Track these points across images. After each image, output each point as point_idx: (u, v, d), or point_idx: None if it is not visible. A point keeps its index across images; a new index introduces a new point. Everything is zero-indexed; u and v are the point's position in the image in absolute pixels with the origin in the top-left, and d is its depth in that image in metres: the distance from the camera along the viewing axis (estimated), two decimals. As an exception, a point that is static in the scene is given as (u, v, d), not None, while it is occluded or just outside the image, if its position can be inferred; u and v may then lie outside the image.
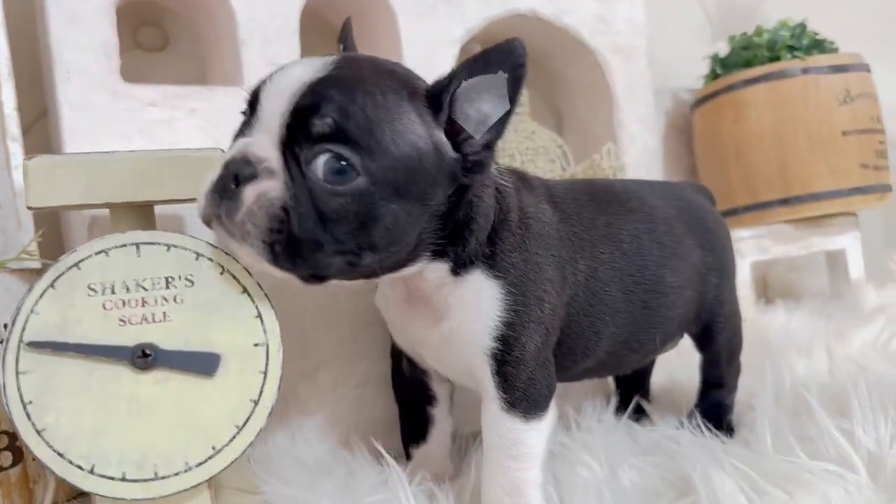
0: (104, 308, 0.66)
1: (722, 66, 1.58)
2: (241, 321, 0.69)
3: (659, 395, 1.15)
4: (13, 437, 0.71)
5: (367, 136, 0.62)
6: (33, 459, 0.71)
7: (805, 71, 1.46)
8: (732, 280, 1.00)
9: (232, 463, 0.66)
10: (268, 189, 0.62)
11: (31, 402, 0.62)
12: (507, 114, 0.67)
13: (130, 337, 0.66)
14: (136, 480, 0.64)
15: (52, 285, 0.65)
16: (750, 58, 1.51)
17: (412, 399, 0.90)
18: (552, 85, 1.61)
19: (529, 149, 1.41)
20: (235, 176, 0.62)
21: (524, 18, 1.41)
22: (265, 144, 0.64)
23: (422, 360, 0.85)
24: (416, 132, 0.66)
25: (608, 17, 1.48)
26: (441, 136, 0.67)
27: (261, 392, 0.68)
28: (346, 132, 0.62)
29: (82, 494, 0.73)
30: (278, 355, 0.70)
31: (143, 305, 0.67)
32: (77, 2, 1.06)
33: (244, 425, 0.67)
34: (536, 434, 0.73)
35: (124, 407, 0.64)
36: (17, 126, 1.02)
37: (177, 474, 0.65)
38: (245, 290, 0.70)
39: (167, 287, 0.68)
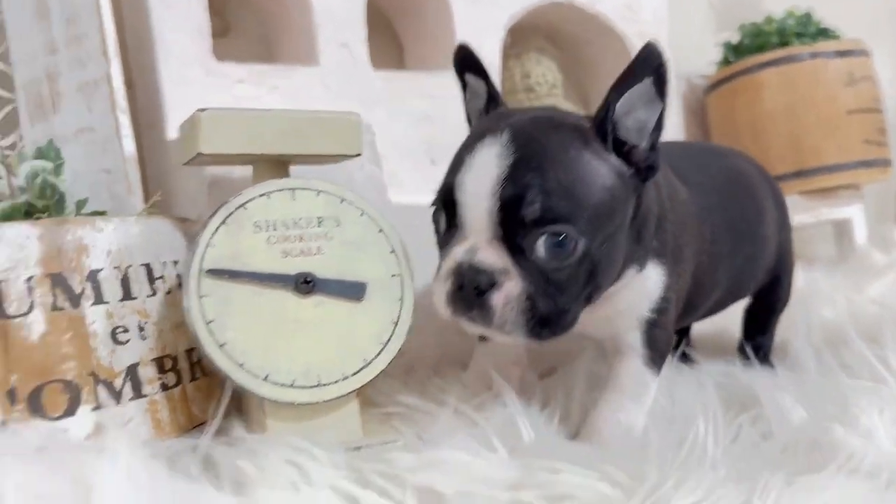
0: (268, 242, 0.76)
1: (735, 52, 1.71)
2: (379, 255, 0.80)
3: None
4: (175, 360, 0.81)
5: (569, 203, 0.67)
6: (200, 376, 0.82)
7: (813, 55, 1.60)
8: (791, 235, 1.12)
9: (378, 374, 0.77)
10: (510, 290, 0.67)
11: (212, 321, 0.73)
12: (662, 112, 0.71)
13: (292, 267, 0.76)
14: (303, 387, 0.74)
15: (224, 222, 0.75)
16: (761, 44, 1.65)
17: None
18: (583, 70, 1.74)
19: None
20: (476, 287, 0.67)
21: (560, 6, 1.53)
22: (486, 247, 0.68)
23: None
24: (601, 172, 0.70)
25: (635, 7, 1.61)
26: (615, 160, 0.71)
27: (399, 315, 0.79)
28: (552, 210, 0.66)
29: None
30: (410, 284, 0.81)
31: (300, 241, 0.77)
32: (174, -14, 1.16)
33: (387, 343, 0.78)
34: (656, 384, 0.83)
35: (290, 326, 0.75)
36: (123, 99, 1.12)
37: (336, 382, 0.75)
38: (381, 230, 0.81)
39: (319, 226, 0.78)
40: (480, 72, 0.81)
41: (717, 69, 1.76)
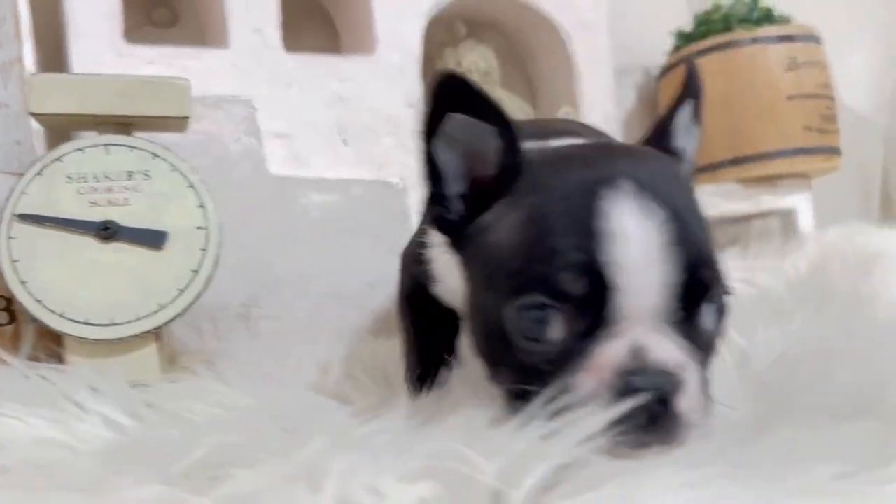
0: (78, 193, 0.83)
1: (685, 40, 1.70)
2: (186, 209, 0.86)
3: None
4: (10, 301, 0.89)
5: (714, 249, 0.55)
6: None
7: (754, 41, 1.57)
8: None
9: (174, 318, 0.83)
10: (695, 388, 0.51)
11: (17, 261, 0.80)
12: (697, 142, 0.64)
13: (98, 215, 0.83)
14: (96, 325, 0.81)
15: (39, 173, 0.83)
16: (706, 31, 1.63)
17: None
18: (525, 58, 1.76)
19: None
20: (661, 397, 0.50)
21: (490, -9, 1.56)
22: (658, 336, 0.51)
23: None
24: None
25: (571, -6, 1.63)
26: None
27: (201, 264, 0.85)
28: (717, 267, 0.54)
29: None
30: (216, 237, 0.86)
31: (109, 192, 0.84)
32: (88, -26, 1.25)
33: (185, 289, 0.84)
34: None
35: (89, 269, 0.82)
36: (35, 76, 1.21)
37: (129, 322, 0.82)
38: (191, 185, 0.87)
39: (129, 179, 0.85)
40: (484, 112, 0.57)
41: (668, 57, 1.75)
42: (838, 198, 1.92)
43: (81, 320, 0.80)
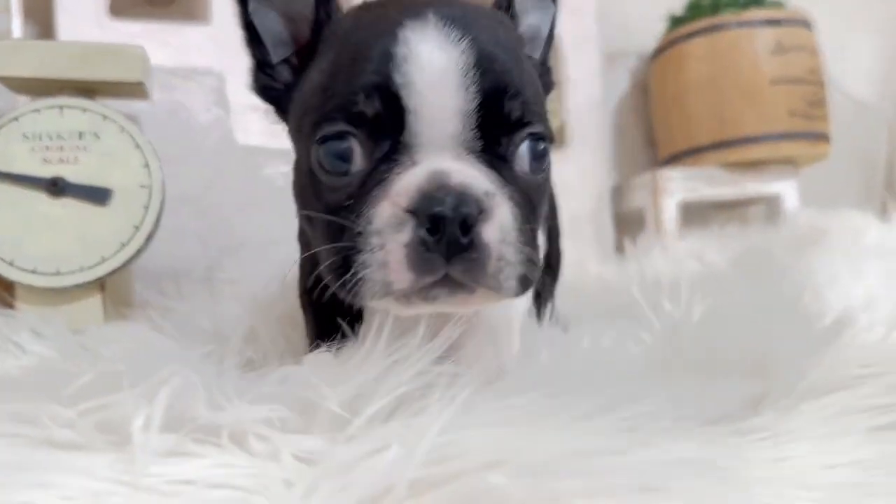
0: (32, 150, 0.89)
1: (676, 24, 1.70)
2: (131, 168, 0.91)
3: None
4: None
5: (536, 98, 0.54)
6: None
7: (741, 24, 1.57)
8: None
9: (115, 270, 0.88)
10: (504, 219, 0.49)
11: (-28, 212, 0.86)
12: (554, 17, 0.64)
13: (48, 172, 0.88)
14: (43, 273, 0.86)
15: (-5, 132, 0.89)
16: (696, 14, 1.63)
17: None
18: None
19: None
20: (463, 221, 0.47)
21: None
22: (459, 164, 0.50)
23: None
24: (533, 69, 0.59)
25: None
26: None
27: (142, 221, 0.90)
28: (528, 105, 0.52)
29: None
30: (158, 195, 0.91)
31: (61, 150, 0.90)
32: (77, -50, 1.31)
33: (127, 243, 0.89)
34: None
35: (39, 222, 0.87)
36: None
37: (73, 272, 0.87)
38: (138, 146, 0.92)
39: (80, 139, 0.90)
40: None
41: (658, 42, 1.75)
42: (838, 186, 1.90)
43: (29, 269, 0.86)
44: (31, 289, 0.87)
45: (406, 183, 0.49)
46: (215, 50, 1.38)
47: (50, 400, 0.52)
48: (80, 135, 0.90)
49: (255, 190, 1.22)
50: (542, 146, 0.54)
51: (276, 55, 0.62)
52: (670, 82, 1.65)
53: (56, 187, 0.88)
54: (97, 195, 0.89)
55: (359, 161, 0.52)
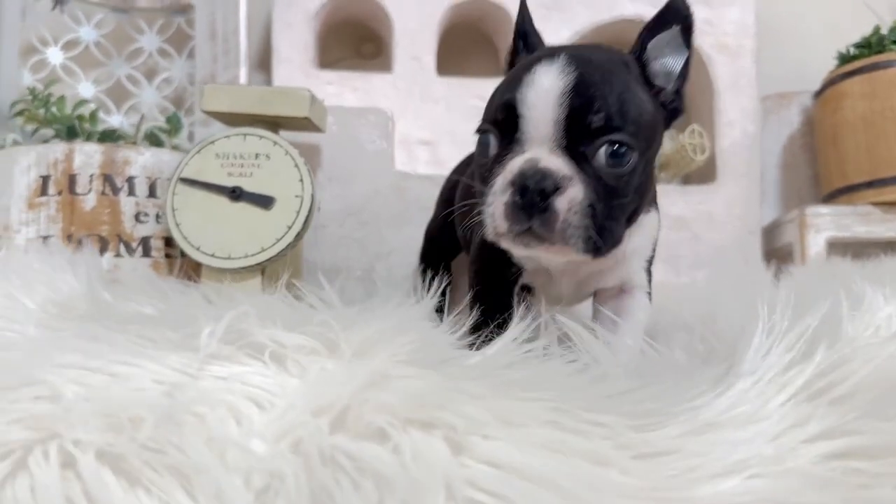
0: (221, 166, 1.18)
1: (841, 62, 1.68)
2: (290, 182, 1.16)
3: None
4: (168, 239, 1.26)
5: (626, 117, 0.72)
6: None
7: (897, 63, 1.53)
8: None
9: (271, 258, 1.13)
10: (574, 195, 0.70)
11: (176, 210, 1.16)
12: (687, 60, 0.79)
13: (231, 182, 1.16)
14: (220, 258, 1.14)
15: (198, 151, 1.19)
16: (863, 54, 1.61)
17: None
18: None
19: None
20: (542, 191, 0.70)
21: (630, 22, 1.70)
22: (549, 155, 0.72)
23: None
24: (646, 98, 0.77)
25: (714, 20, 1.71)
26: (650, 95, 0.78)
27: (294, 222, 1.14)
28: (614, 119, 0.71)
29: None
30: (308, 203, 1.15)
31: (241, 166, 1.17)
32: (291, 14, 1.64)
33: (281, 238, 1.14)
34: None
35: (221, 219, 1.15)
36: (247, 92, 1.62)
37: (240, 258, 1.13)
38: (296, 165, 1.17)
39: (255, 158, 1.18)
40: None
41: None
42: None
43: (210, 253, 1.14)
44: (210, 268, 1.15)
45: (513, 165, 0.73)
46: (395, 94, 1.64)
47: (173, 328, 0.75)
48: (256, 155, 1.18)
49: (404, 207, 1.44)
50: (620, 149, 0.72)
51: None
52: (828, 120, 1.63)
53: (235, 194, 1.15)
54: (264, 201, 1.15)
55: (493, 149, 0.77)
